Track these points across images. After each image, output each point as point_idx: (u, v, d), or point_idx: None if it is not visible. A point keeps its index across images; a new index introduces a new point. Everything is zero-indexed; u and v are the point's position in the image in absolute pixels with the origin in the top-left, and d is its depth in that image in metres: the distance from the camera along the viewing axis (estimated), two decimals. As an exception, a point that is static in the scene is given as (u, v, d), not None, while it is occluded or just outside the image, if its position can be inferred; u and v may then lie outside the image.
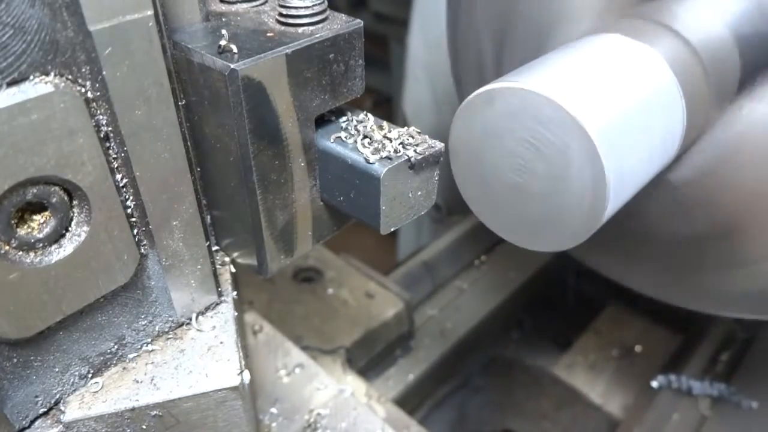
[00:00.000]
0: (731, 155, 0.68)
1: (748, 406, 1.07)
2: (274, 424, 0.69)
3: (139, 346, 0.47)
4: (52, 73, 0.35)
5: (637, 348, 1.31)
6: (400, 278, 1.36)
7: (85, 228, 0.39)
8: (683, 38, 0.61)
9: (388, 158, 0.45)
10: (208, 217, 0.50)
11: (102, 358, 0.45)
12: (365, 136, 0.46)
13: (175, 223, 0.43)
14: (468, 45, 0.96)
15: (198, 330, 0.48)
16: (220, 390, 0.45)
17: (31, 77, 0.35)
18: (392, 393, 1.14)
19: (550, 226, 0.51)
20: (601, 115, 0.47)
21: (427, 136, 0.47)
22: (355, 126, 0.47)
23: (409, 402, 1.16)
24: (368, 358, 1.13)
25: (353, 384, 0.92)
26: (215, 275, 0.49)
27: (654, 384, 1.15)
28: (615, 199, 0.48)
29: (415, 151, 0.45)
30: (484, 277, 1.44)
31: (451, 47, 1.01)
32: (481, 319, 1.34)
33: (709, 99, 0.63)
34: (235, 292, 0.51)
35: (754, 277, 0.77)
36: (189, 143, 0.42)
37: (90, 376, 0.45)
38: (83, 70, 0.36)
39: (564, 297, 1.48)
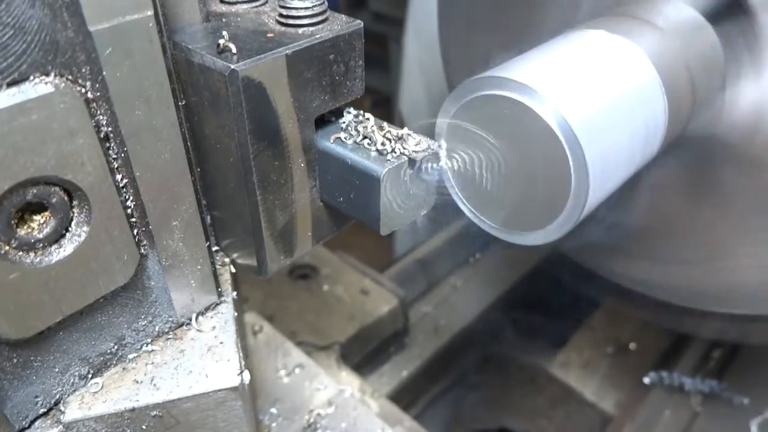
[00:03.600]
0: (718, 147, 0.69)
1: (739, 402, 1.08)
2: (274, 425, 0.69)
3: (139, 347, 0.47)
4: (53, 74, 0.35)
5: (632, 346, 1.32)
6: (395, 275, 1.36)
7: (85, 228, 0.39)
8: (665, 33, 0.62)
9: (388, 159, 0.45)
10: (208, 217, 0.50)
11: (102, 358, 0.45)
12: (365, 137, 0.46)
13: (175, 223, 0.43)
14: (458, 43, 0.96)
15: (198, 330, 0.48)
16: (220, 390, 0.45)
17: (32, 78, 0.35)
18: (386, 389, 1.14)
19: (531, 219, 0.51)
20: (581, 108, 0.48)
21: (426, 137, 0.48)
22: (355, 126, 0.47)
23: (403, 398, 1.17)
24: (362, 354, 1.13)
25: (347, 379, 0.93)
26: (215, 275, 0.49)
27: (646, 380, 1.16)
28: (596, 193, 0.49)
29: (415, 151, 0.45)
30: (478, 274, 1.45)
31: (442, 46, 1.02)
32: (475, 317, 1.35)
33: (693, 92, 0.64)
34: (235, 293, 0.51)
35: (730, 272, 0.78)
36: (189, 144, 0.42)
37: (90, 376, 0.45)
38: (83, 70, 0.36)
39: (559, 295, 1.49)
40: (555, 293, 1.46)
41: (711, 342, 1.23)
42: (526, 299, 1.49)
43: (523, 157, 0.49)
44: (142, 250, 0.43)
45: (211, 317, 0.50)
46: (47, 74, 0.35)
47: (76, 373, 0.44)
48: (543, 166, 0.48)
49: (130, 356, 0.47)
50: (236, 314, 0.50)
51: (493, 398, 1.42)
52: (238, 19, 0.46)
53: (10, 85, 0.34)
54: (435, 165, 0.47)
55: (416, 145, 0.46)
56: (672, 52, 0.62)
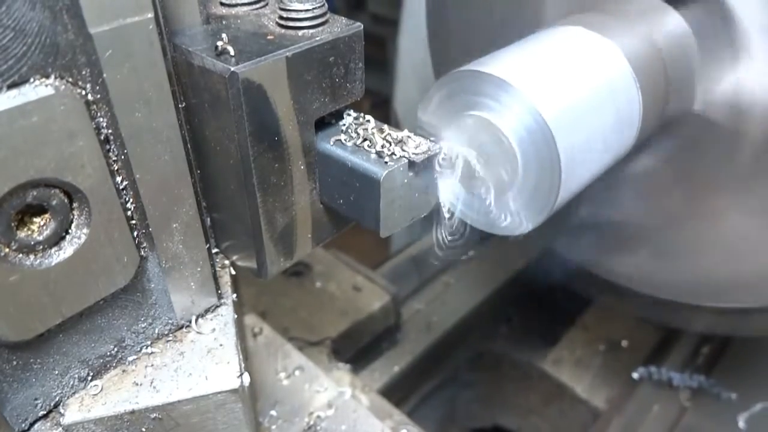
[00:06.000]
0: (691, 143, 0.70)
1: (727, 397, 1.09)
2: (273, 427, 0.69)
3: (138, 349, 0.47)
4: (53, 76, 0.35)
5: (624, 343, 1.33)
6: (387, 272, 1.37)
7: (85, 230, 0.39)
8: (641, 31, 0.64)
9: (388, 161, 0.45)
10: (208, 219, 0.50)
11: (101, 360, 0.45)
12: (365, 139, 0.46)
13: (175, 225, 0.43)
14: (445, 40, 0.97)
15: (198, 332, 0.48)
16: (219, 393, 0.45)
17: (32, 80, 0.34)
18: (377, 384, 1.15)
19: (506, 206, 0.52)
20: (554, 102, 0.49)
21: (427, 139, 0.48)
22: (356, 129, 0.47)
23: (395, 394, 1.17)
24: (354, 350, 1.14)
25: (337, 374, 0.93)
26: (215, 277, 0.48)
27: (635, 375, 1.17)
28: (567, 184, 0.50)
29: (415, 153, 0.45)
30: (471, 272, 1.45)
31: (431, 44, 1.03)
32: (467, 313, 1.35)
33: (668, 89, 0.65)
34: (235, 295, 0.51)
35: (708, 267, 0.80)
36: (189, 146, 0.42)
37: (89, 378, 0.45)
38: (83, 72, 0.36)
39: (552, 292, 1.50)
40: (548, 291, 1.47)
41: (700, 338, 1.24)
42: (519, 297, 1.49)
43: (499, 148, 0.50)
44: (142, 253, 0.43)
45: (211, 319, 0.50)
46: (47, 76, 0.35)
47: (76, 376, 0.44)
48: (518, 157, 0.49)
49: (130, 358, 0.47)
50: (236, 316, 0.50)
51: (487, 396, 1.43)
52: (239, 21, 0.46)
53: (10, 87, 0.34)
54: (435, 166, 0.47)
55: (416, 147, 0.46)
56: (648, 50, 0.63)
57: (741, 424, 1.04)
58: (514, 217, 0.52)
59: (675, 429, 1.07)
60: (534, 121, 0.47)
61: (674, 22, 0.67)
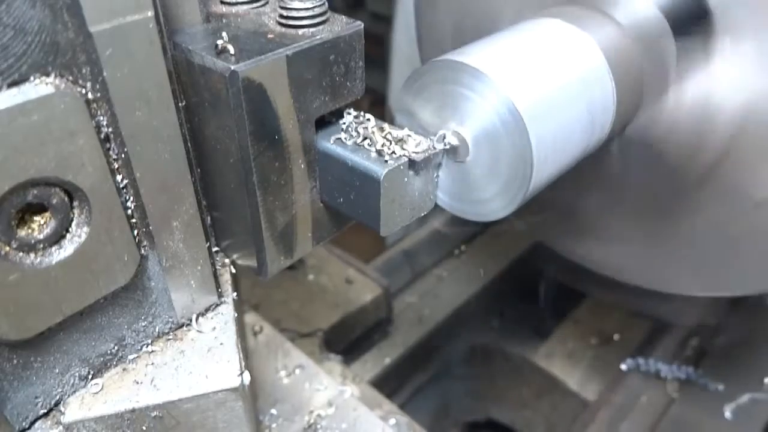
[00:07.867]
0: (666, 134, 0.71)
1: (714, 388, 1.11)
2: (274, 425, 0.69)
3: (139, 347, 0.47)
4: (53, 75, 0.35)
5: (616, 337, 1.34)
6: (380, 266, 1.38)
7: (86, 229, 0.39)
8: (616, 22, 0.65)
9: (388, 160, 0.45)
10: (209, 218, 0.50)
11: (102, 359, 0.45)
12: (365, 138, 0.46)
13: (175, 224, 0.43)
14: (432, 37, 0.98)
15: (198, 331, 0.48)
16: (220, 391, 0.45)
17: (32, 78, 0.34)
18: (369, 375, 1.16)
19: (477, 194, 0.53)
20: (528, 93, 0.50)
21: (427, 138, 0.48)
22: (356, 127, 0.47)
23: (386, 385, 1.18)
24: (346, 341, 1.15)
25: (327, 365, 0.93)
26: (215, 276, 0.49)
27: (623, 367, 1.18)
28: (540, 172, 0.51)
29: (415, 152, 0.45)
30: (463, 266, 1.46)
31: (418, 40, 1.03)
32: (459, 307, 1.37)
33: (643, 80, 0.66)
34: (235, 293, 0.51)
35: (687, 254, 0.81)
36: (189, 144, 0.42)
37: (90, 377, 0.45)
38: (84, 71, 0.36)
39: (545, 287, 1.51)
40: (541, 285, 1.48)
41: (689, 331, 1.26)
42: (512, 291, 1.50)
43: (473, 136, 0.50)
44: (143, 251, 0.43)
45: (212, 318, 0.50)
46: (48, 75, 0.35)
47: (77, 374, 0.44)
48: (491, 148, 0.50)
49: (131, 357, 0.47)
50: (236, 315, 0.51)
51: (480, 389, 1.44)
52: (239, 20, 0.46)
53: (10, 85, 0.34)
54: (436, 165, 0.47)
55: (416, 146, 0.46)
56: (624, 42, 0.64)
57: (727, 414, 1.06)
58: (489, 203, 0.53)
59: (662, 419, 1.09)
60: (507, 110, 0.48)
61: (651, 14, 0.68)
